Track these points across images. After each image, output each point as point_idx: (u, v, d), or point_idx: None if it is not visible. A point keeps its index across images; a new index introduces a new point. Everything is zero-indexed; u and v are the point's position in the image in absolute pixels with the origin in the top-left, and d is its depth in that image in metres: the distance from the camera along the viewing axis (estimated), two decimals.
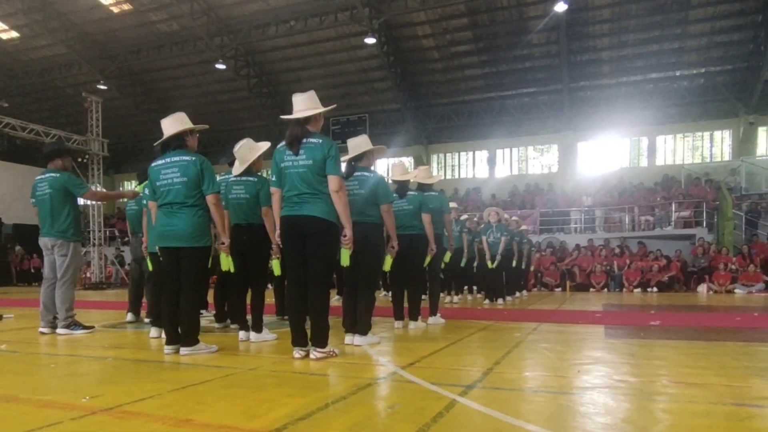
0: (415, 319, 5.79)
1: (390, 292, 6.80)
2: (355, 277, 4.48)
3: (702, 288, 14.03)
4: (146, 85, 24.39)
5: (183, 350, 4.02)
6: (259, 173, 5.01)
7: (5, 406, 2.64)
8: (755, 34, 17.79)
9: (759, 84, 18.10)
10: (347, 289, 4.64)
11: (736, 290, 13.64)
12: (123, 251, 20.65)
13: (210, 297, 6.26)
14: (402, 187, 5.64)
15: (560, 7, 16.51)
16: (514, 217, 11.38)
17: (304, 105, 3.87)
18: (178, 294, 4.07)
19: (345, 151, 4.63)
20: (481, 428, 2.27)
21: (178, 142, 4.14)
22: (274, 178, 3.94)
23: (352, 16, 18.34)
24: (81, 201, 5.76)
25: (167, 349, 4.10)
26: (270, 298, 5.53)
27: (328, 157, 3.74)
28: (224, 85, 23.37)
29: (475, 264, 9.92)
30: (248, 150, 4.82)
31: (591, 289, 14.86)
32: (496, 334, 5.30)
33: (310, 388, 3.00)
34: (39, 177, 5.57)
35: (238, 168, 4.86)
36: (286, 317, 4.81)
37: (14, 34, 21.71)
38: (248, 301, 4.93)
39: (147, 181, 4.64)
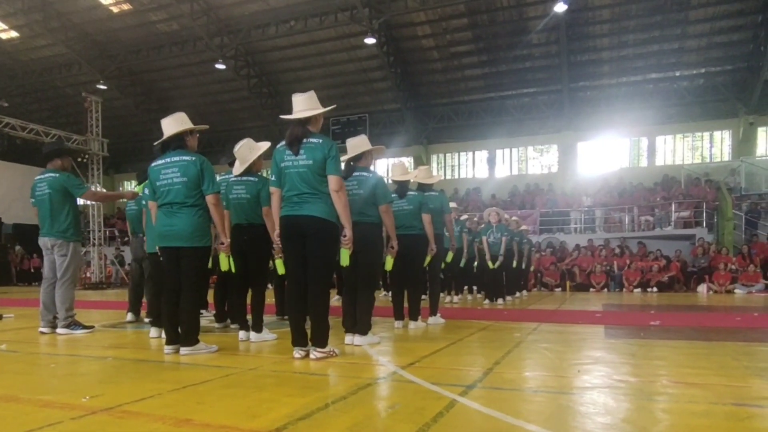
0: (415, 319, 5.79)
1: (390, 292, 6.81)
2: (354, 277, 4.48)
3: (702, 288, 14.03)
4: (146, 85, 24.40)
5: (183, 350, 4.02)
6: (260, 173, 5.01)
7: (5, 406, 2.64)
8: (755, 34, 17.80)
9: (759, 84, 18.10)
10: (347, 289, 4.64)
11: (736, 290, 13.64)
12: (123, 251, 20.66)
13: (210, 297, 6.26)
14: (402, 187, 5.64)
15: (560, 8, 16.51)
16: (514, 218, 11.39)
17: (305, 105, 3.87)
18: (178, 294, 4.07)
19: (344, 151, 4.63)
20: (481, 428, 2.27)
21: (178, 142, 4.14)
22: (273, 178, 3.94)
23: (352, 16, 18.34)
24: (81, 201, 5.76)
25: (167, 349, 4.10)
26: (270, 298, 5.53)
27: (329, 157, 3.74)
28: (224, 85, 23.37)
29: (476, 264, 9.92)
30: (248, 150, 4.82)
31: (591, 289, 14.86)
32: (496, 334, 5.30)
33: (310, 388, 3.00)
34: (38, 177, 5.57)
35: (238, 168, 4.86)
36: (286, 317, 4.81)
37: (14, 33, 21.71)
38: (248, 301, 4.93)
39: (146, 181, 4.65)
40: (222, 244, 4.20)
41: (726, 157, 20.04)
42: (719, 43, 18.49)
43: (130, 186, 26.90)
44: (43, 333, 5.45)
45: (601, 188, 19.89)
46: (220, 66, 21.05)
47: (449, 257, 7.08)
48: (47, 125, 18.67)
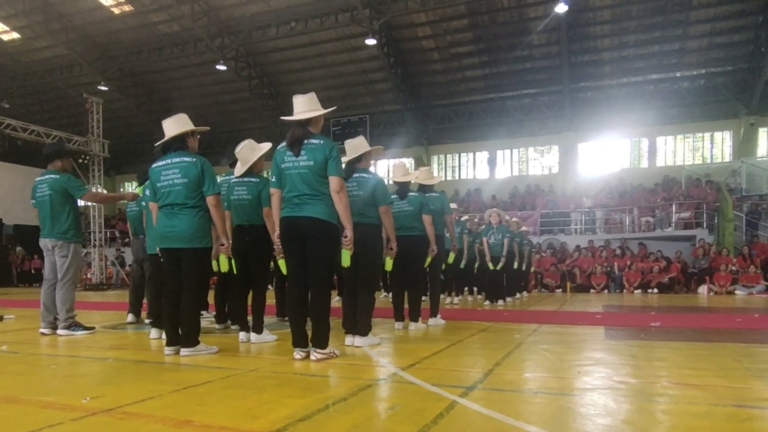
0: (416, 321, 5.79)
1: (390, 293, 6.80)
2: (354, 278, 4.48)
3: (702, 289, 14.02)
4: (147, 86, 24.42)
5: (183, 351, 4.02)
6: (261, 174, 5.01)
7: (6, 407, 2.64)
8: (756, 35, 17.80)
9: (759, 85, 18.10)
10: (347, 291, 4.64)
11: (736, 291, 13.63)
12: (123, 252, 20.67)
13: (210, 298, 6.26)
14: (403, 188, 5.65)
15: (561, 8, 16.51)
16: (514, 219, 11.38)
17: (305, 107, 3.88)
18: (179, 295, 4.07)
19: (342, 152, 4.64)
20: (481, 429, 2.27)
21: (179, 143, 4.14)
22: (273, 179, 3.94)
23: (352, 18, 18.36)
24: (81, 202, 5.76)
25: (168, 350, 4.10)
26: (270, 299, 5.53)
27: (330, 158, 3.74)
28: (225, 86, 23.39)
29: (476, 265, 9.92)
30: (250, 151, 4.83)
31: (591, 291, 14.85)
32: (496, 335, 5.30)
33: (310, 389, 3.00)
34: (39, 178, 5.57)
35: (239, 169, 4.87)
36: (286, 318, 4.81)
37: (15, 35, 21.73)
38: (249, 302, 4.93)
39: (147, 183, 4.65)
40: (222, 245, 4.20)
41: (727, 158, 20.04)
42: (720, 43, 18.49)
43: (131, 187, 26.94)
44: (43, 334, 5.45)
45: (601, 189, 19.89)
46: (221, 67, 21.07)
47: (451, 258, 7.07)
48: (48, 126, 18.69)
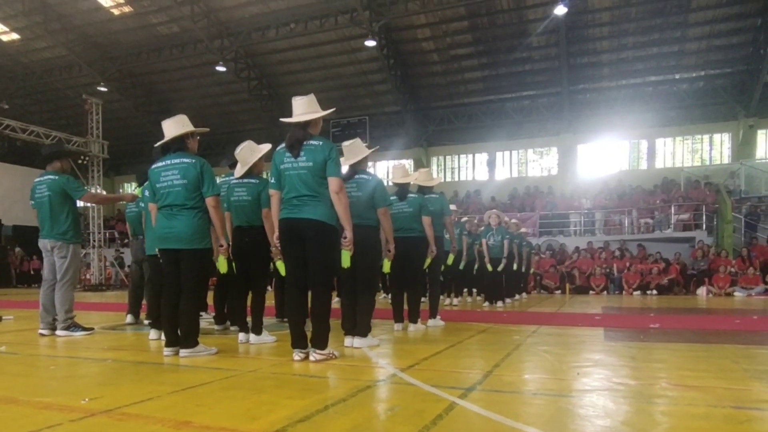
0: (415, 322, 5.79)
1: (389, 295, 6.80)
2: (353, 279, 4.48)
3: (701, 291, 14.04)
4: (146, 87, 24.42)
5: (182, 352, 4.02)
6: (261, 175, 5.01)
7: (5, 408, 2.64)
8: (754, 37, 17.83)
9: (758, 87, 18.13)
10: (346, 292, 4.63)
11: (735, 293, 13.64)
12: (122, 253, 20.67)
13: (210, 299, 6.26)
14: (402, 189, 5.65)
15: (560, 11, 16.54)
16: (513, 220, 11.38)
17: (305, 108, 3.88)
18: (178, 296, 4.07)
19: (340, 152, 4.65)
20: (480, 431, 2.27)
21: (178, 144, 4.14)
22: (273, 180, 3.95)
23: (352, 19, 18.37)
24: (80, 203, 5.76)
25: (167, 351, 4.10)
26: (270, 300, 5.53)
27: (329, 159, 3.74)
28: (224, 88, 23.39)
29: (476, 267, 9.91)
30: (249, 152, 4.83)
31: (590, 292, 14.86)
32: (495, 336, 5.30)
33: (309, 390, 3.00)
34: (38, 179, 5.57)
35: (239, 170, 4.87)
36: (285, 319, 4.81)
37: (15, 36, 21.73)
38: (248, 303, 4.93)
39: (146, 183, 4.65)
40: (221, 246, 4.20)
41: (726, 160, 20.07)
42: (719, 45, 18.52)
43: (130, 188, 26.94)
44: (42, 335, 5.45)
45: (600, 191, 19.91)
46: (221, 68, 21.07)
47: (450, 260, 7.07)
48: (47, 127, 18.70)
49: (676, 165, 20.57)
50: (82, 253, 16.56)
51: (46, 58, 22.95)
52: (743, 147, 19.28)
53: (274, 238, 4.05)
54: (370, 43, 18.78)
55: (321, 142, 3.81)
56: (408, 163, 22.11)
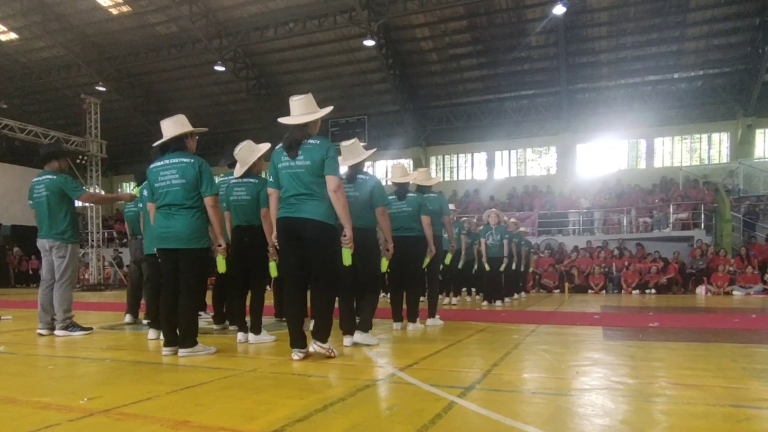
0: (414, 321, 5.79)
1: (388, 294, 6.80)
2: (352, 281, 4.47)
3: (700, 290, 14.05)
4: (145, 86, 24.39)
5: (181, 352, 4.02)
6: (260, 175, 5.01)
7: (3, 408, 2.63)
8: (753, 36, 17.85)
9: (757, 86, 18.15)
10: (344, 293, 4.63)
11: (734, 292, 13.66)
12: (121, 253, 20.65)
13: (208, 299, 6.25)
14: (402, 189, 5.65)
15: (558, 10, 16.54)
16: (512, 219, 11.39)
17: (302, 109, 3.87)
18: (176, 296, 4.07)
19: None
20: (479, 430, 2.27)
21: (177, 144, 4.15)
22: (271, 179, 3.95)
23: (350, 19, 18.36)
24: (78, 202, 5.75)
25: (165, 350, 4.10)
26: (269, 299, 5.53)
27: (327, 158, 3.74)
28: (223, 87, 23.39)
29: (475, 267, 9.92)
30: (248, 152, 4.83)
31: (589, 291, 14.87)
32: (494, 335, 5.30)
33: (308, 389, 3.00)
34: (36, 179, 5.56)
35: (239, 170, 4.86)
36: (284, 319, 4.81)
37: (13, 35, 21.70)
38: (247, 302, 4.93)
39: (145, 183, 4.64)
40: (220, 246, 4.20)
41: (724, 159, 20.09)
42: (717, 45, 18.53)
43: (129, 188, 26.90)
44: (41, 335, 5.44)
45: (599, 190, 19.92)
46: (219, 68, 21.05)
47: (448, 259, 7.07)
48: (46, 127, 18.66)
49: (675, 164, 20.59)
50: (81, 252, 16.55)
51: (45, 58, 22.91)
52: (742, 146, 19.30)
53: (272, 237, 4.05)
54: (369, 42, 18.77)
55: (319, 141, 3.81)
56: (407, 163, 22.12)
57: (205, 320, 6.14)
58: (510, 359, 3.92)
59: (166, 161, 4.08)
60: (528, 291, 13.63)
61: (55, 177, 5.45)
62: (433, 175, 18.85)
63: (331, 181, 3.74)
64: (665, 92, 20.26)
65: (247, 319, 4.88)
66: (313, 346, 3.80)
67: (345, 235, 3.84)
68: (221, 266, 4.29)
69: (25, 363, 4.11)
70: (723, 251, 14.89)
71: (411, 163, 22.52)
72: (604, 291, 14.88)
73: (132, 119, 25.12)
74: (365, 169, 4.85)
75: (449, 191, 21.41)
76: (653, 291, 14.28)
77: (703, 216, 16.56)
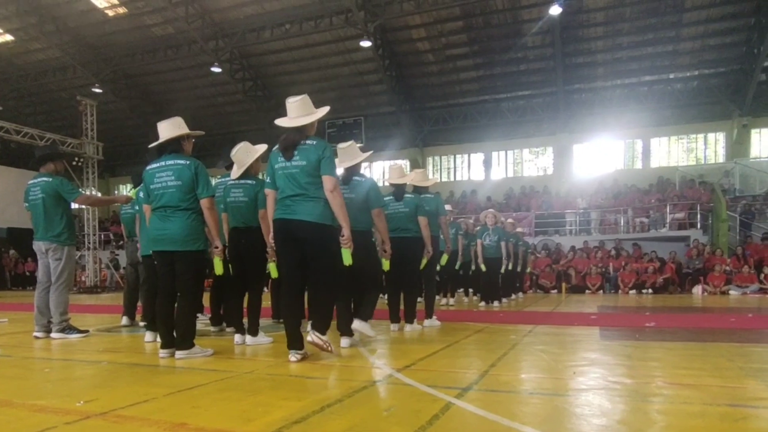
0: (411, 322, 5.79)
1: (386, 295, 6.80)
2: (349, 282, 4.47)
3: (697, 289, 14.09)
4: (141, 88, 24.34)
5: (178, 354, 4.01)
6: (257, 176, 5.00)
7: None
8: (748, 36, 17.91)
9: (752, 86, 18.22)
10: (342, 294, 4.63)
11: (730, 291, 13.70)
12: (118, 255, 20.58)
13: (205, 300, 6.23)
14: (399, 189, 5.66)
15: (554, 11, 16.59)
16: (509, 220, 11.40)
17: (299, 111, 3.87)
18: (173, 298, 4.07)
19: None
20: (476, 431, 2.27)
21: (174, 146, 4.15)
22: (268, 180, 3.95)
23: (347, 20, 18.36)
24: (74, 205, 5.73)
25: (162, 353, 4.09)
26: (266, 301, 5.52)
27: (323, 158, 3.74)
28: (219, 89, 23.36)
29: (473, 268, 9.92)
30: (245, 153, 4.83)
31: (586, 291, 14.89)
32: (491, 336, 5.30)
33: (305, 391, 2.99)
34: (31, 181, 5.54)
35: (236, 172, 4.86)
36: (281, 320, 4.80)
37: (9, 37, 21.64)
38: (244, 304, 4.92)
39: (141, 185, 4.64)
40: (216, 248, 4.20)
41: (720, 159, 20.17)
42: (713, 45, 18.60)
43: (125, 189, 26.84)
44: (37, 337, 5.42)
45: (596, 190, 19.97)
46: (216, 69, 21.04)
47: (443, 260, 7.08)
48: (42, 129, 18.61)
49: (671, 164, 20.66)
50: (77, 255, 16.51)
51: (41, 60, 22.86)
52: (737, 146, 19.37)
53: (269, 238, 4.05)
54: (366, 43, 18.79)
55: (315, 142, 3.82)
56: (404, 164, 22.12)
57: (202, 322, 6.13)
58: (507, 360, 3.92)
59: (162, 163, 4.07)
60: (525, 291, 13.64)
61: (50, 179, 5.43)
62: (430, 176, 18.85)
63: (327, 181, 3.73)
64: (661, 92, 20.32)
65: (245, 320, 4.87)
66: (311, 336, 3.80)
67: (343, 236, 3.84)
68: (218, 268, 4.29)
69: (21, 366, 4.09)
70: (719, 251, 14.93)
71: (408, 164, 22.54)
72: (601, 291, 14.91)
73: (128, 121, 25.09)
74: (361, 171, 4.84)
75: (446, 192, 21.44)
76: (650, 291, 14.32)
77: (699, 216, 16.61)
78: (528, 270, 13.54)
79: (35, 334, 5.47)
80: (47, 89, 24.68)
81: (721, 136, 20.31)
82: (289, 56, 21.35)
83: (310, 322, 3.90)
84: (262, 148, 4.96)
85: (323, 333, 3.82)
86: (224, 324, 5.80)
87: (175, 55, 21.31)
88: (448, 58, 20.58)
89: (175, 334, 4.05)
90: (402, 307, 5.78)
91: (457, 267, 9.79)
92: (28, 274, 20.91)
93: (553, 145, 21.93)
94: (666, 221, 16.99)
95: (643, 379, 3.24)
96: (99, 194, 21.17)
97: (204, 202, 4.03)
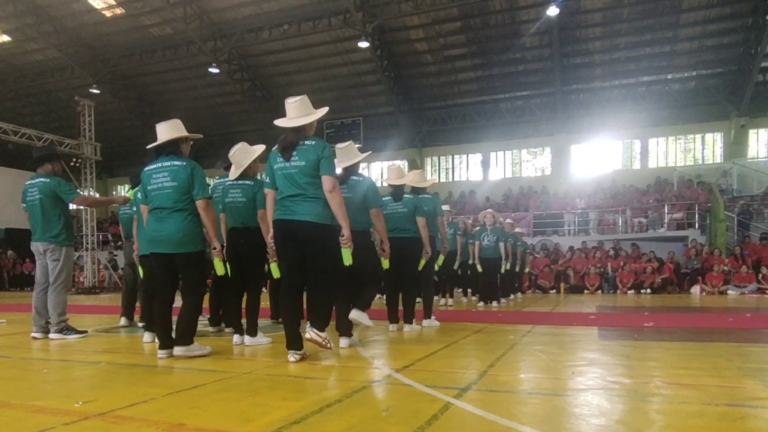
0: (410, 322, 5.79)
1: (384, 295, 6.80)
2: (348, 282, 4.47)
3: (695, 289, 14.10)
4: (139, 89, 24.33)
5: (177, 349, 4.02)
6: (256, 177, 5.00)
7: None
8: (746, 37, 17.95)
9: (750, 87, 18.26)
10: (340, 294, 4.63)
11: (728, 291, 13.72)
12: (116, 255, 20.55)
13: (204, 301, 6.22)
14: (398, 190, 5.66)
15: (552, 11, 16.61)
16: (508, 220, 11.41)
17: (298, 112, 3.87)
18: (170, 299, 4.09)
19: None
20: (475, 430, 2.27)
21: (172, 147, 4.16)
22: (267, 180, 3.95)
23: (345, 20, 18.36)
24: (72, 205, 5.73)
25: (160, 353, 4.09)
26: (264, 301, 5.51)
27: (322, 158, 3.74)
28: (217, 89, 23.35)
29: (470, 262, 9.89)
30: (243, 154, 4.82)
31: (585, 291, 14.90)
32: (490, 336, 5.31)
33: (304, 391, 2.99)
34: (29, 182, 5.53)
35: (234, 172, 4.85)
36: (280, 320, 4.80)
37: (6, 38, 21.60)
38: (243, 304, 4.92)
39: (139, 186, 4.64)
40: (214, 249, 4.20)
41: (718, 159, 20.21)
42: (710, 46, 18.64)
43: (123, 190, 26.81)
44: (35, 338, 5.41)
45: (594, 190, 19.99)
46: (214, 70, 21.01)
47: (440, 260, 7.08)
48: (40, 129, 18.54)
49: (669, 164, 20.69)
50: (75, 255, 16.49)
51: (38, 60, 22.83)
52: (735, 146, 19.42)
53: (269, 238, 4.05)
54: (364, 44, 18.79)
55: (314, 142, 3.81)
56: (402, 164, 22.13)
57: (200, 323, 6.11)
58: (506, 360, 3.93)
59: (159, 164, 4.09)
60: (524, 292, 13.64)
61: (48, 180, 5.42)
62: (428, 176, 18.84)
63: (326, 181, 3.73)
64: (659, 93, 20.36)
65: (243, 321, 4.87)
66: (310, 333, 3.79)
67: (343, 235, 3.84)
68: (220, 269, 4.29)
69: (19, 366, 4.09)
70: (717, 251, 14.95)
71: (406, 164, 22.53)
72: (599, 291, 14.92)
73: (126, 121, 25.06)
74: (359, 171, 4.84)
75: (445, 192, 21.45)
76: (648, 291, 14.33)
77: (697, 216, 16.64)
78: (526, 270, 13.54)
79: (33, 334, 5.46)
80: (45, 90, 24.65)
81: (718, 137, 20.35)
82: (287, 57, 21.35)
83: (308, 322, 3.90)
84: (260, 148, 4.96)
85: (322, 330, 3.82)
86: (223, 324, 5.80)
87: (174, 55, 21.30)
88: (446, 59, 20.59)
89: (174, 330, 4.05)
90: (401, 307, 5.78)
91: (455, 267, 9.79)
92: (27, 273, 20.86)
93: (551, 145, 21.96)
94: (664, 221, 17.01)
95: (642, 378, 3.24)
96: (97, 195, 21.16)
97: (200, 204, 4.04)
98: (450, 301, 9.89)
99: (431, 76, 21.62)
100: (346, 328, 4.54)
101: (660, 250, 15.72)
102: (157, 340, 4.26)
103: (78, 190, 6.04)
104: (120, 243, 17.81)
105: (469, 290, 11.48)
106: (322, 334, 3.82)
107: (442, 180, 23.47)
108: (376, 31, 18.99)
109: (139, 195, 4.85)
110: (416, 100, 22.78)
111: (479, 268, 9.27)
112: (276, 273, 4.42)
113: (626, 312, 8.81)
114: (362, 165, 4.91)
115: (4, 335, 5.99)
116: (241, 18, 19.54)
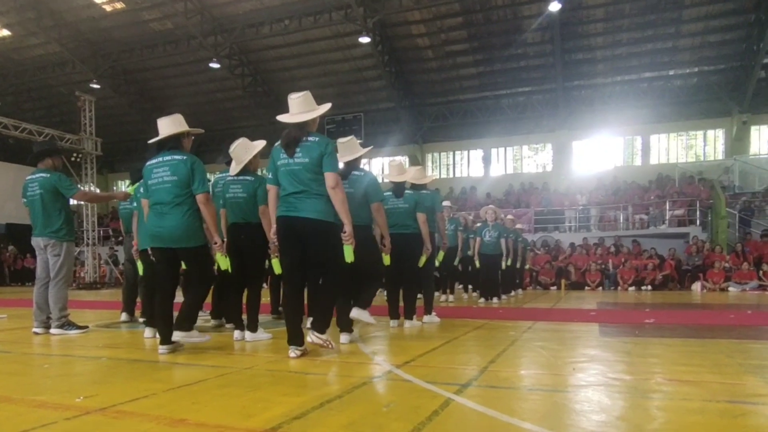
0: (410, 318, 5.79)
1: (385, 291, 6.80)
2: (349, 279, 4.46)
3: (696, 286, 14.10)
4: (140, 84, 24.29)
5: (176, 334, 4.04)
6: (256, 172, 5.00)
7: None
8: (748, 33, 17.89)
9: (752, 83, 18.21)
10: (342, 291, 4.63)
11: (729, 288, 13.71)
12: (117, 251, 20.55)
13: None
14: (399, 186, 5.66)
15: (554, 7, 16.55)
16: (509, 216, 11.40)
17: (301, 107, 3.86)
18: (171, 294, 4.10)
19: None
20: (476, 426, 2.27)
21: (173, 142, 4.16)
22: (270, 176, 3.94)
23: (346, 15, 18.32)
24: (73, 200, 5.73)
25: (161, 348, 4.09)
26: (265, 297, 5.51)
27: (325, 154, 3.73)
28: (218, 84, 23.32)
29: (470, 254, 9.90)
30: (244, 150, 4.82)
31: (586, 288, 14.90)
32: (491, 332, 5.31)
33: (305, 387, 2.99)
34: (29, 177, 5.52)
35: (234, 168, 4.85)
36: (280, 315, 4.80)
37: (6, 32, 21.56)
38: (244, 299, 4.92)
39: (140, 181, 4.65)
40: (215, 244, 4.20)
41: (719, 156, 20.18)
42: (713, 42, 18.58)
43: (124, 185, 26.79)
44: (36, 333, 5.42)
45: (595, 187, 19.97)
46: (214, 65, 20.98)
47: (440, 256, 7.08)
48: (40, 124, 18.55)
49: (671, 161, 20.65)
50: (76, 251, 16.48)
51: (39, 55, 22.78)
52: (737, 143, 19.37)
53: (271, 234, 4.05)
54: (365, 39, 18.74)
55: (317, 138, 3.80)
56: (403, 160, 22.10)
57: (201, 318, 6.12)
58: (507, 356, 3.93)
59: (160, 159, 4.09)
60: (524, 288, 13.65)
61: (48, 175, 5.41)
62: (429, 172, 18.83)
63: (329, 178, 3.72)
64: (661, 89, 20.31)
65: (244, 316, 4.87)
66: (311, 337, 3.80)
67: (345, 232, 3.83)
68: (223, 263, 4.29)
69: (20, 362, 4.09)
70: (719, 248, 14.94)
71: (407, 160, 22.52)
72: (600, 288, 14.93)
73: (127, 116, 25.04)
74: (361, 166, 4.84)
75: (446, 188, 21.44)
76: (649, 287, 14.33)
77: (698, 212, 16.62)
78: (527, 266, 13.55)
79: (34, 330, 5.47)
80: (45, 85, 24.61)
81: (720, 133, 20.31)
82: (288, 52, 21.30)
83: (310, 320, 3.90)
84: (261, 144, 4.95)
85: (323, 332, 3.82)
86: (223, 319, 5.80)
87: (174, 50, 21.25)
88: (447, 54, 20.54)
89: (176, 315, 4.08)
90: (401, 303, 5.78)
91: (456, 263, 9.79)
92: (28, 268, 20.88)
93: (552, 141, 21.92)
94: (665, 218, 16.99)
95: (643, 375, 3.24)
96: (97, 190, 21.18)
97: (199, 198, 4.03)
98: (451, 297, 9.90)
99: (432, 71, 21.57)
100: (346, 325, 4.54)
101: (661, 246, 15.71)
102: (158, 335, 4.27)
103: (78, 186, 6.04)
104: (120, 238, 17.81)
105: (470, 286, 11.50)
106: (323, 337, 3.82)
107: (443, 176, 23.45)
108: (377, 26, 18.94)
109: (141, 190, 4.85)
110: (417, 95, 22.74)
111: (477, 264, 9.26)
112: (277, 269, 4.42)
113: (627, 308, 8.81)
114: (363, 161, 4.89)
115: (5, 330, 5.99)
116: (241, 13, 19.49)
